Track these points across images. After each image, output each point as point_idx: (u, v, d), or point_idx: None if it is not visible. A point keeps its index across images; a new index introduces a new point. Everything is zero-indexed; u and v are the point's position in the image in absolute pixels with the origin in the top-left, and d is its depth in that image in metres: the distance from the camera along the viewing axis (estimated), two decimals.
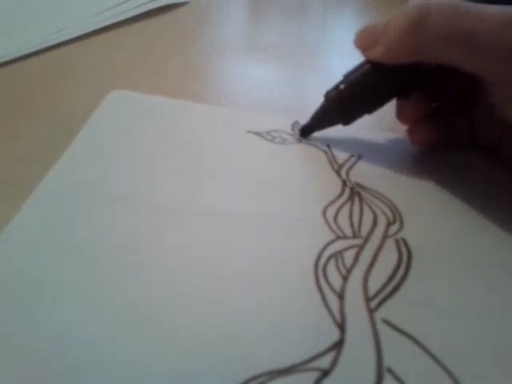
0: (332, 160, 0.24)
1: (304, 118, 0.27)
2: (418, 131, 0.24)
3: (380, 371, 0.16)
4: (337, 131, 0.25)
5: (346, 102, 0.23)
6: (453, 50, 0.19)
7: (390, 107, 0.24)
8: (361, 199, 0.22)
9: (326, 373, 0.16)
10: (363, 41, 0.22)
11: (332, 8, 0.44)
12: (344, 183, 0.23)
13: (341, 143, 0.25)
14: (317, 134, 0.26)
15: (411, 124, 0.24)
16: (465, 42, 0.19)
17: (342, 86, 0.23)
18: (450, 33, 0.19)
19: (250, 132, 0.26)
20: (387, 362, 0.16)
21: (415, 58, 0.20)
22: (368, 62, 0.22)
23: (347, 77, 0.23)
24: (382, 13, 0.42)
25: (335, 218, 0.21)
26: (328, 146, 0.25)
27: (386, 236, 0.20)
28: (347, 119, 0.24)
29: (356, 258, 0.19)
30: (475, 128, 0.24)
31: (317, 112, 0.25)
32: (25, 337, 0.16)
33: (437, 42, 0.19)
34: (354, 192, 0.23)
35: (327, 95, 0.24)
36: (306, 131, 0.26)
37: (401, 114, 0.24)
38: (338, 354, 0.16)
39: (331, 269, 0.19)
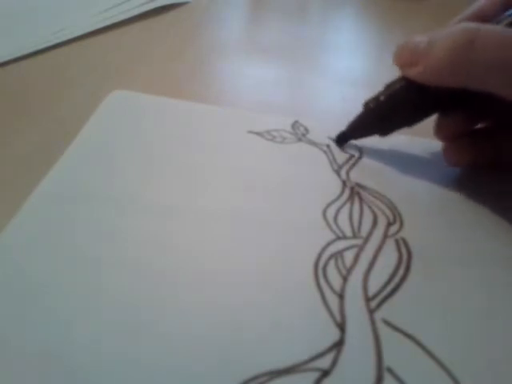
0: (332, 160, 0.24)
1: (304, 118, 0.27)
2: (454, 150, 0.23)
3: (380, 371, 0.16)
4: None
5: (385, 113, 0.23)
6: (496, 80, 0.18)
7: None
8: (361, 199, 0.22)
9: (326, 373, 0.16)
10: (402, 57, 0.21)
11: (332, 8, 0.44)
12: (344, 183, 0.23)
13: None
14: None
15: (448, 142, 0.23)
16: (510, 73, 0.18)
17: (381, 98, 0.23)
18: (496, 62, 0.18)
19: (250, 132, 0.26)
20: (387, 361, 0.16)
21: (457, 83, 0.19)
22: (406, 77, 0.22)
23: (387, 88, 0.23)
24: (382, 13, 0.42)
25: (335, 218, 0.21)
26: (328, 146, 0.25)
27: (386, 236, 0.20)
28: (385, 130, 0.24)
29: (356, 258, 0.19)
30: None
31: (354, 121, 0.24)
32: (25, 337, 0.16)
33: (481, 70, 0.18)
34: (354, 192, 0.23)
35: (366, 105, 0.24)
36: (341, 139, 0.25)
37: (438, 130, 0.23)
38: (338, 353, 0.16)
39: (331, 269, 0.19)
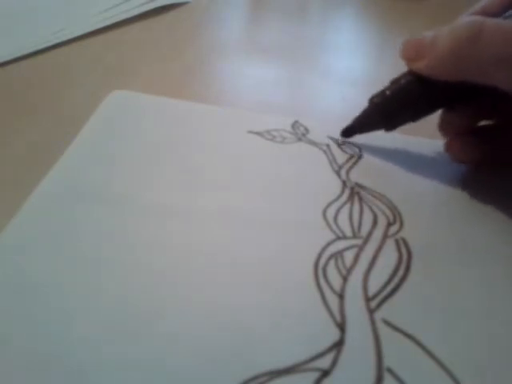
0: (332, 160, 0.24)
1: (304, 118, 0.27)
2: (458, 146, 0.23)
3: (380, 371, 0.16)
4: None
5: (391, 108, 0.23)
6: (501, 74, 0.18)
7: None
8: (361, 199, 0.22)
9: (326, 373, 0.16)
10: (409, 51, 0.21)
11: (332, 8, 0.44)
12: (344, 183, 0.23)
13: (341, 143, 0.26)
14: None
15: (452, 138, 0.23)
16: None
17: (387, 92, 0.23)
18: (501, 56, 0.18)
19: (250, 132, 0.26)
20: (387, 362, 0.16)
21: (461, 77, 0.20)
22: (412, 72, 0.22)
23: (393, 83, 0.23)
24: (382, 13, 0.42)
25: (335, 218, 0.21)
26: (328, 146, 0.25)
27: (386, 236, 0.20)
28: (390, 125, 0.24)
29: (356, 258, 0.19)
30: None
31: (360, 115, 0.24)
32: (25, 337, 0.16)
33: (486, 64, 0.18)
34: (354, 192, 0.23)
35: (372, 100, 0.24)
36: (347, 133, 0.25)
37: (443, 126, 0.23)
38: (338, 353, 0.16)
39: (331, 269, 0.19)
